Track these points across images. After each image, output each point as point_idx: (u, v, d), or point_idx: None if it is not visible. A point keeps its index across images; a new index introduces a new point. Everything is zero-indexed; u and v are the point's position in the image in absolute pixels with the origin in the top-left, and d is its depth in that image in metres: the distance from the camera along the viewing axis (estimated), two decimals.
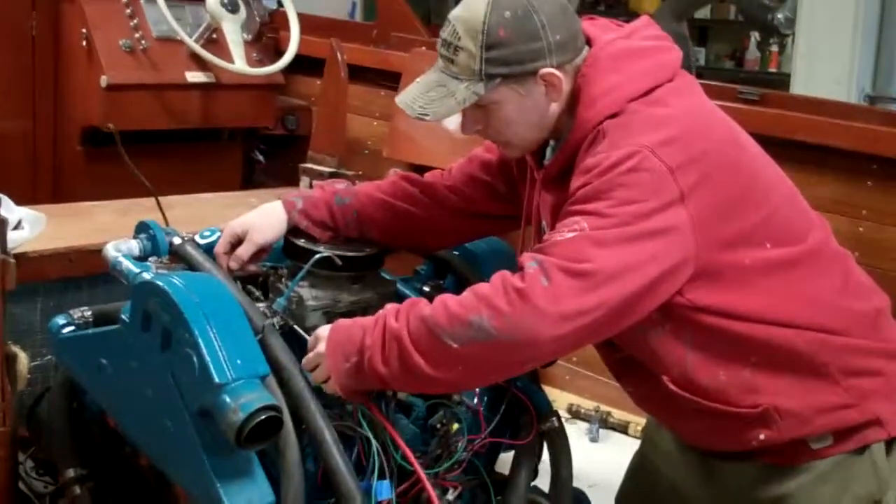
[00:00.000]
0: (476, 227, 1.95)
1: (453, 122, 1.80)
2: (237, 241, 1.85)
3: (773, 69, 7.40)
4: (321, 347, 1.57)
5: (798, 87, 4.99)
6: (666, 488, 1.82)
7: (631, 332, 1.57)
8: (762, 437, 1.63)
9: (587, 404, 2.92)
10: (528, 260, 1.52)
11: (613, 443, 2.78)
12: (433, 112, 1.68)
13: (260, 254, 1.85)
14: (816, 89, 4.51)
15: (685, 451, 1.78)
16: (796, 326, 1.61)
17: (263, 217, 1.88)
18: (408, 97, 1.70)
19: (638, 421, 2.83)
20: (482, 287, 1.53)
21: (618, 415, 2.86)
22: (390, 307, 1.58)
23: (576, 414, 2.87)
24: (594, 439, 2.77)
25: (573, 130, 1.66)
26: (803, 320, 1.61)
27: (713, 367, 1.61)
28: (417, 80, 1.72)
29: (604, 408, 2.88)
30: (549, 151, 1.78)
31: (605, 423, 2.83)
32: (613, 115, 1.62)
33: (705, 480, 1.76)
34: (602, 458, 2.62)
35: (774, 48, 7.56)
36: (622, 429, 2.83)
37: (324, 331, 1.59)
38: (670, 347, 1.61)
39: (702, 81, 3.14)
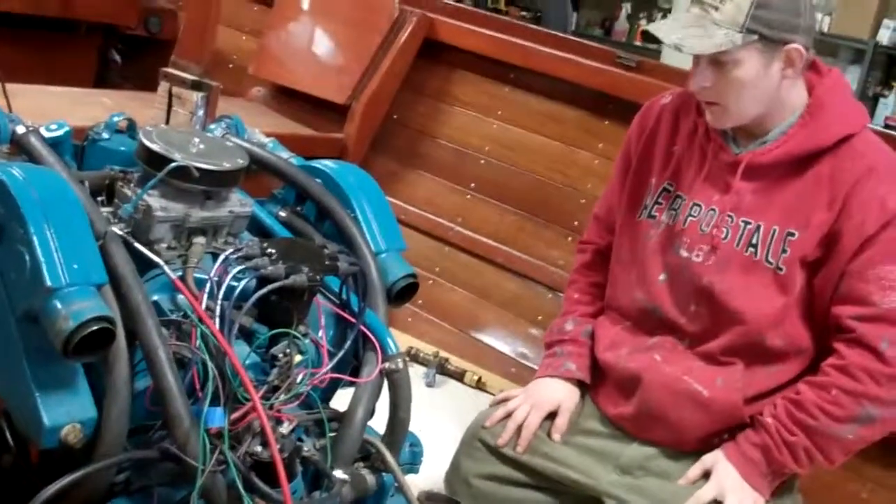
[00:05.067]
0: None
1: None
2: (549, 417, 2.11)
3: (638, 42, 7.53)
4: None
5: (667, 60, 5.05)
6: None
7: None
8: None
9: (427, 349, 2.91)
10: (877, 340, 1.84)
11: (449, 389, 2.77)
12: (690, 46, 1.83)
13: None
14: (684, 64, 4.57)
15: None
16: None
17: (563, 391, 2.14)
18: (664, 28, 1.90)
19: (474, 370, 2.84)
20: (846, 382, 1.86)
21: (455, 362, 2.85)
22: (770, 421, 1.93)
23: (414, 357, 2.85)
24: (430, 384, 2.75)
25: (805, 128, 1.91)
26: None
27: None
28: (673, 17, 1.88)
29: (443, 353, 2.87)
30: (728, 141, 2.00)
31: (442, 369, 2.82)
32: (849, 136, 1.90)
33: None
34: (437, 404, 2.61)
35: (644, 22, 7.71)
36: (459, 376, 2.82)
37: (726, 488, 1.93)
38: None
39: (580, 41, 3.18)
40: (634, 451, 2.06)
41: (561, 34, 3.28)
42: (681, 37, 1.84)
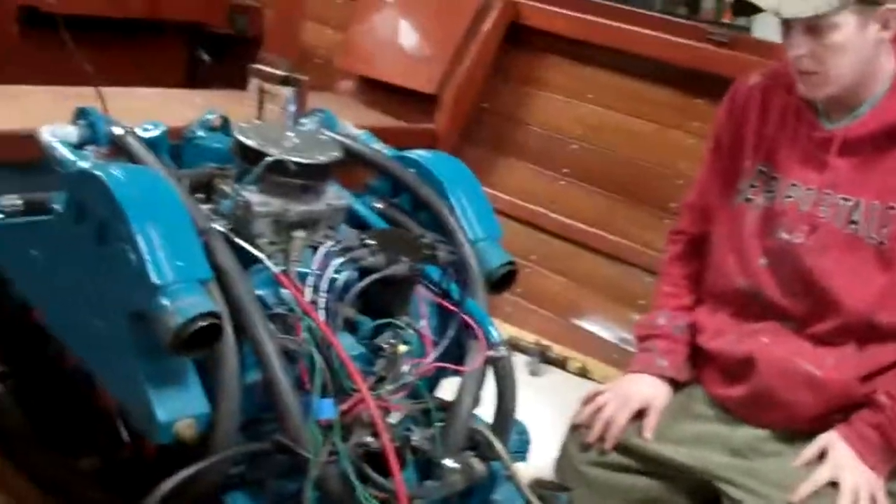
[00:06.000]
0: None
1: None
2: (637, 415, 2.07)
3: (726, 20, 7.37)
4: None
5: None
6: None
7: None
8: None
9: (528, 337, 2.88)
10: None
11: (552, 378, 2.74)
12: (789, 9, 1.82)
13: None
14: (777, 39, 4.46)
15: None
16: None
17: (653, 389, 2.10)
18: None
19: (577, 357, 2.80)
20: None
21: (557, 350, 2.82)
22: (885, 400, 1.88)
23: (516, 346, 2.82)
24: (534, 372, 2.73)
25: None
26: None
27: None
28: None
29: (544, 342, 2.84)
30: (821, 117, 1.96)
31: (544, 357, 2.79)
32: None
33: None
34: (541, 393, 2.59)
35: None
36: (561, 364, 2.79)
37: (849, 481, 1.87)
38: None
39: (669, 18, 3.12)
40: (746, 433, 2.01)
41: (648, 12, 3.23)
42: (779, 1, 1.81)
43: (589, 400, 2.14)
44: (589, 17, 3.15)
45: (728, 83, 2.20)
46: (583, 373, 2.77)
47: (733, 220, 2.07)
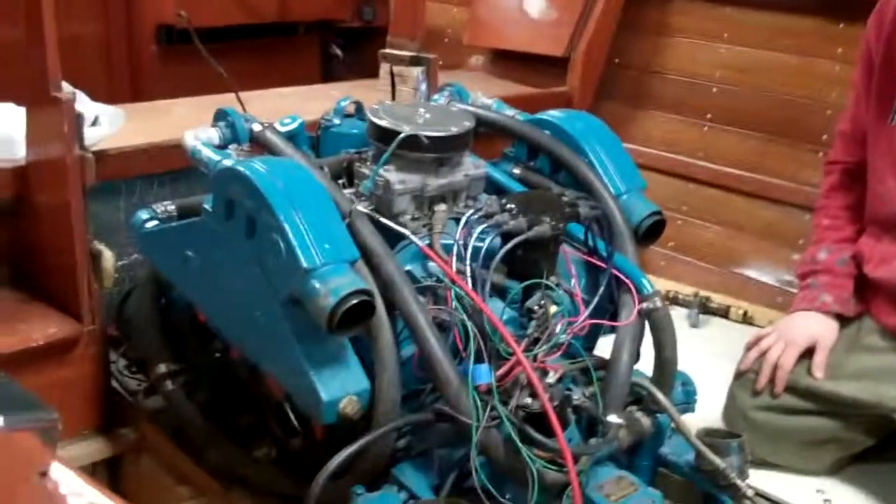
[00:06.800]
0: None
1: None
2: (805, 353, 2.00)
3: None
4: None
5: None
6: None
7: None
8: None
9: (685, 290, 2.82)
10: None
11: (714, 327, 2.68)
12: None
13: None
14: None
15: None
16: None
17: (820, 324, 2.03)
18: None
19: (739, 305, 2.73)
20: None
21: (718, 299, 2.75)
22: None
23: (674, 300, 2.76)
24: (694, 324, 2.66)
25: None
26: None
27: None
28: None
29: (703, 293, 2.78)
30: None
31: (704, 308, 2.73)
32: None
33: None
34: (704, 343, 2.53)
35: None
36: (723, 313, 2.72)
37: None
38: None
39: None
40: None
41: None
42: None
43: (752, 344, 2.08)
44: None
45: (868, 3, 2.10)
46: (747, 319, 2.69)
47: (891, 142, 1.98)
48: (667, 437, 1.70)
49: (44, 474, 0.96)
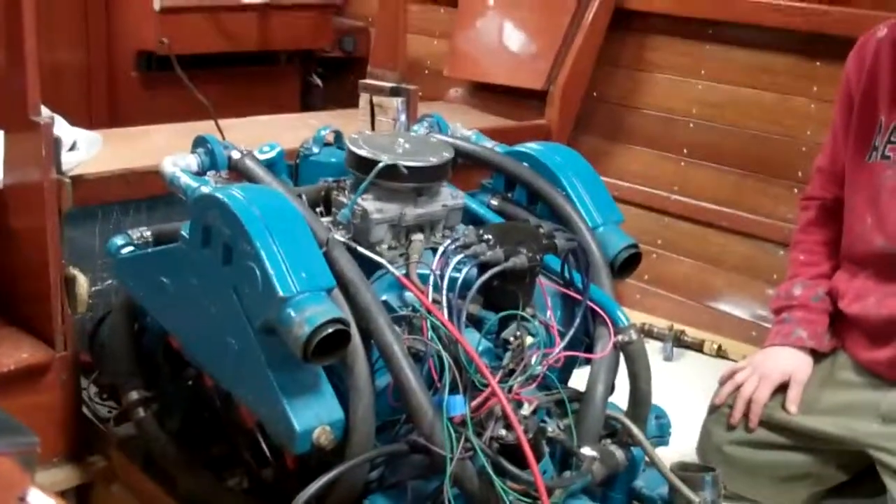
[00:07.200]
0: None
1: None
2: (779, 388, 2.02)
3: None
4: None
5: None
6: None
7: None
8: None
9: (660, 323, 2.83)
10: None
11: (688, 361, 2.69)
12: None
13: None
14: None
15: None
16: None
17: (794, 359, 2.05)
18: None
19: (713, 339, 2.74)
20: None
21: (692, 333, 2.76)
22: None
23: (648, 333, 2.78)
24: (668, 358, 2.67)
25: None
26: None
27: None
28: None
29: (677, 326, 2.79)
30: None
31: (679, 341, 2.74)
32: None
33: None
34: (678, 377, 2.54)
35: None
36: (697, 347, 2.73)
37: None
38: None
39: None
40: (895, 397, 1.93)
41: None
42: None
43: (727, 378, 2.09)
44: None
45: (848, 42, 2.13)
46: (721, 354, 2.71)
47: (870, 180, 2.00)
48: (641, 471, 1.69)
49: (22, 499, 0.95)
